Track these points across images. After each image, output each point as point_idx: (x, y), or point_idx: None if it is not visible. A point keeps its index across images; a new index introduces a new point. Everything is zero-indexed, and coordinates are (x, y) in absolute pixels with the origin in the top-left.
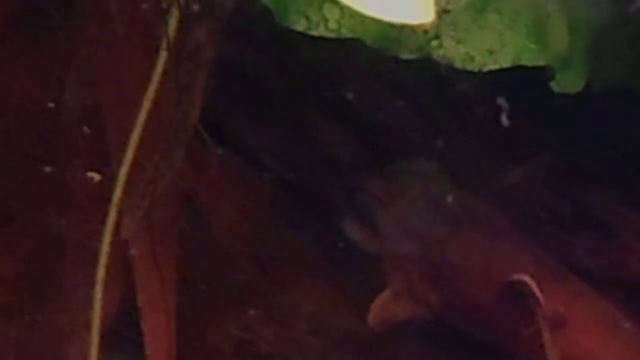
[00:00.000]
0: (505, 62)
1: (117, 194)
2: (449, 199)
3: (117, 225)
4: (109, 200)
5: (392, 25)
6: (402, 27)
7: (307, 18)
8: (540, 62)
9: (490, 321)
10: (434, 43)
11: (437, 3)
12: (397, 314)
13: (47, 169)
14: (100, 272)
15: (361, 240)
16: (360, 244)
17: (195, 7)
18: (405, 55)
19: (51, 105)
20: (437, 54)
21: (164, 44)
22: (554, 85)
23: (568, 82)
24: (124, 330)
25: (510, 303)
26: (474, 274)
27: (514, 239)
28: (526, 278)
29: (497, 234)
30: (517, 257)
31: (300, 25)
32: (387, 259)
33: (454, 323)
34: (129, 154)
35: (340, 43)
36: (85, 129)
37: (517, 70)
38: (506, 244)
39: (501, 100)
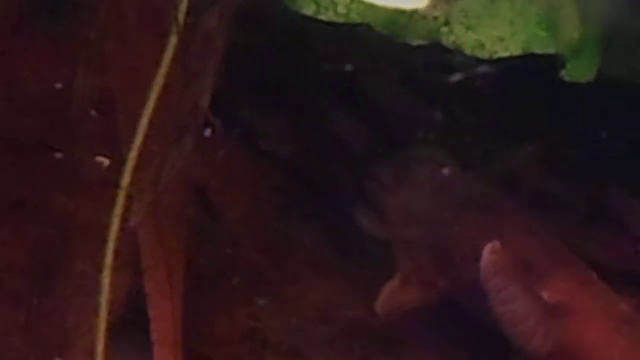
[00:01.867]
0: (515, 50)
1: (126, 180)
2: (456, 183)
3: (126, 211)
4: (117, 185)
5: (401, 11)
6: (412, 13)
7: (316, 2)
8: (551, 50)
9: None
10: (444, 29)
11: None
12: (406, 301)
13: (57, 154)
14: (109, 258)
15: (370, 227)
16: (369, 231)
17: None
18: (415, 42)
19: (61, 90)
20: (447, 41)
21: (173, 29)
22: (564, 74)
23: (579, 72)
24: (132, 316)
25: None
26: (479, 257)
27: (521, 224)
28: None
29: (505, 219)
30: (524, 241)
31: (309, 9)
32: (395, 245)
33: (462, 308)
34: (138, 140)
35: (351, 30)
36: (95, 114)
37: (528, 58)
38: (513, 228)
39: (511, 88)
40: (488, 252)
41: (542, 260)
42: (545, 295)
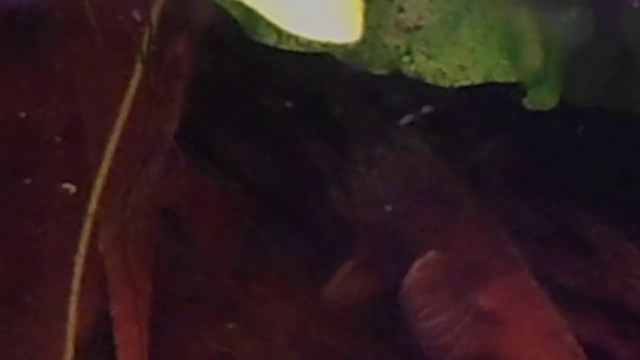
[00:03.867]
0: (476, 78)
1: (93, 206)
2: (422, 172)
3: (93, 237)
4: (85, 211)
5: (363, 41)
6: (373, 43)
7: (278, 32)
8: (512, 79)
9: None
10: (406, 59)
11: (409, 18)
12: (357, 287)
13: (24, 180)
14: (76, 284)
15: (338, 206)
16: (337, 210)
17: (172, 21)
18: (376, 71)
19: (27, 116)
20: (409, 70)
21: (138, 57)
22: (526, 102)
23: (540, 99)
24: (99, 342)
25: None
26: (431, 249)
27: (477, 222)
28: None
29: (461, 214)
30: (475, 242)
31: (270, 40)
32: (356, 228)
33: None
34: (105, 166)
35: (314, 57)
36: (62, 140)
37: (490, 87)
38: (468, 225)
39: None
40: (416, 269)
41: (486, 264)
42: (481, 299)
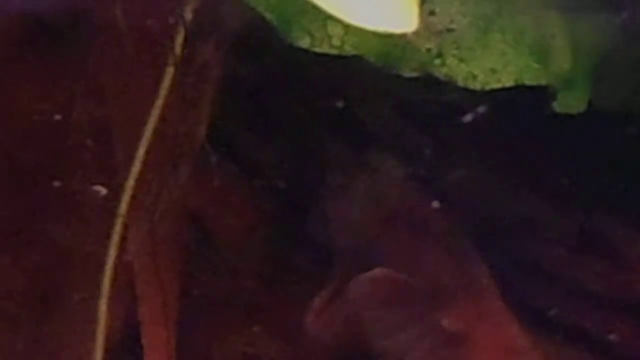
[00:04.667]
0: (507, 81)
1: (123, 208)
2: (392, 196)
3: (123, 239)
4: (115, 214)
5: (395, 44)
6: (405, 46)
7: (311, 35)
8: (542, 82)
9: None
10: (437, 61)
11: (440, 22)
12: (335, 316)
13: (54, 183)
14: (106, 286)
15: (316, 232)
16: (316, 236)
17: (203, 24)
18: (407, 73)
19: (59, 119)
20: (440, 72)
21: (170, 60)
22: (555, 106)
23: (570, 103)
24: (128, 344)
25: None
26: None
27: (444, 245)
28: None
29: (429, 237)
30: (441, 263)
31: (304, 42)
32: (334, 253)
33: None
34: (135, 168)
35: (345, 60)
36: (93, 143)
37: (519, 90)
38: (435, 248)
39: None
40: (362, 283)
41: (451, 286)
42: (444, 322)
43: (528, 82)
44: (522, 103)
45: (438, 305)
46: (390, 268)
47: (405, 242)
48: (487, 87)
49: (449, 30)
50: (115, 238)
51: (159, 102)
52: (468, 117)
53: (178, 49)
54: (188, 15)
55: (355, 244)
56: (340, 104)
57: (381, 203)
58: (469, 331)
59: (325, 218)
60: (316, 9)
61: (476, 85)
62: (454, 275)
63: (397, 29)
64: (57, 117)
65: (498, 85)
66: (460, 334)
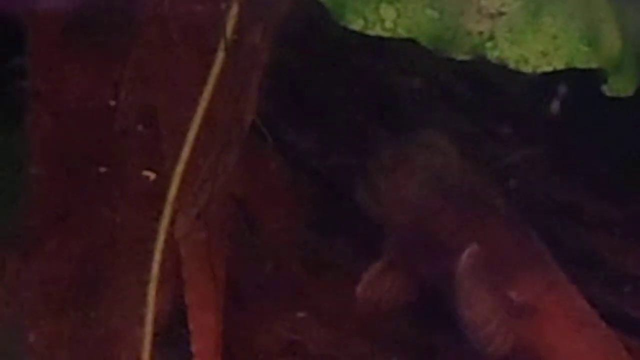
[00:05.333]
0: (558, 64)
1: (172, 193)
2: (450, 172)
3: (172, 224)
4: (163, 199)
5: (447, 27)
6: (457, 28)
7: (364, 18)
8: (593, 65)
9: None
10: (489, 44)
11: (492, 5)
12: (387, 286)
13: (103, 168)
14: (155, 271)
15: (367, 207)
16: (365, 212)
17: (254, 8)
18: (459, 57)
19: (107, 105)
20: (492, 56)
21: (221, 45)
22: (605, 89)
23: (620, 87)
24: (177, 328)
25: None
26: (460, 250)
27: (505, 222)
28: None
29: (490, 214)
30: (502, 239)
31: (357, 25)
32: (385, 227)
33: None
34: (185, 154)
35: (392, 48)
36: (141, 128)
37: (569, 73)
38: (497, 222)
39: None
40: (465, 256)
41: (516, 259)
42: (513, 294)
43: (579, 65)
44: (571, 86)
45: (507, 277)
46: (454, 242)
47: (467, 216)
48: (539, 70)
49: (501, 14)
50: (164, 223)
51: (209, 88)
52: (517, 101)
53: (229, 33)
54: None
55: (413, 218)
56: (388, 88)
57: (439, 179)
58: (539, 303)
59: (376, 193)
60: None
61: (528, 68)
62: (518, 249)
63: None
64: (107, 103)
65: (549, 68)
66: (530, 305)
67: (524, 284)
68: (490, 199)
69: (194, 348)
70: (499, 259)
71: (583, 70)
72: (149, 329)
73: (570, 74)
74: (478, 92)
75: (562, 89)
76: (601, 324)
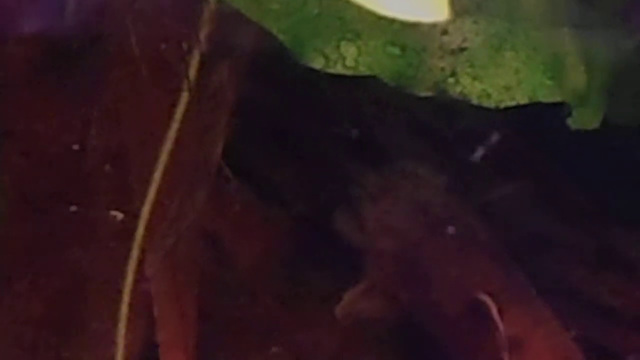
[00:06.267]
0: (521, 99)
1: (140, 233)
2: (436, 203)
3: (140, 264)
4: (132, 238)
5: (408, 63)
6: (419, 65)
7: (325, 56)
8: (557, 99)
9: (453, 332)
10: (451, 80)
11: (453, 41)
12: (365, 309)
13: (72, 208)
14: (124, 311)
15: (347, 232)
16: (345, 236)
17: (217, 48)
18: (421, 92)
19: (75, 145)
20: (454, 91)
21: (185, 85)
22: (570, 122)
23: (585, 119)
24: None
25: (474, 319)
26: (444, 280)
27: (490, 255)
28: (487, 300)
29: (475, 246)
30: (489, 273)
31: (317, 63)
32: (367, 253)
33: (420, 328)
34: (152, 193)
35: (360, 82)
36: (109, 169)
37: (534, 107)
38: (481, 257)
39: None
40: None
41: (502, 293)
42: (502, 325)
43: (542, 99)
44: (536, 120)
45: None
46: (437, 273)
47: (451, 247)
48: (502, 105)
49: (462, 49)
50: (133, 263)
51: (175, 127)
52: (483, 136)
53: (192, 73)
54: (202, 39)
55: (397, 246)
56: (354, 125)
57: (425, 208)
58: (526, 338)
59: (360, 220)
60: (329, 30)
61: (490, 103)
62: (503, 282)
63: (429, 19)
64: (73, 143)
65: (512, 103)
66: (519, 340)
67: (511, 319)
68: (474, 232)
69: None
70: (484, 291)
71: (553, 104)
72: None
73: (539, 107)
74: (452, 124)
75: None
76: None
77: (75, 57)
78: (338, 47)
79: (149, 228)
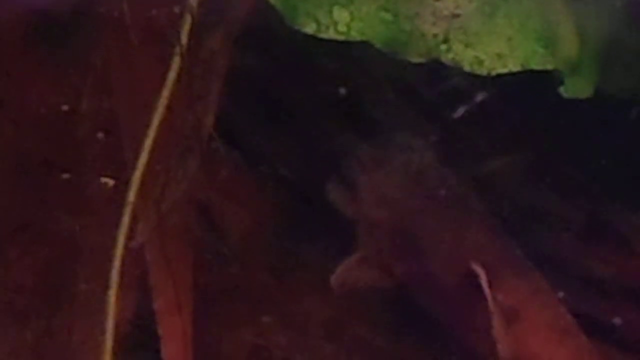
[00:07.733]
0: (514, 66)
1: (131, 199)
2: (431, 174)
3: (132, 231)
4: (123, 205)
5: (401, 29)
6: (411, 31)
7: (317, 21)
8: (549, 67)
9: (447, 302)
10: (443, 47)
11: (446, 7)
12: (360, 279)
13: (63, 175)
14: (114, 277)
15: (340, 204)
16: (339, 207)
17: (209, 14)
18: (414, 59)
19: (67, 112)
20: (446, 58)
21: (176, 51)
22: (563, 91)
23: (577, 88)
24: (138, 335)
25: (468, 289)
26: (439, 251)
27: (485, 226)
28: (478, 270)
29: (470, 217)
30: (484, 244)
31: (309, 28)
32: (361, 224)
33: (414, 299)
34: (143, 160)
35: (352, 48)
36: (100, 135)
37: (527, 75)
38: (476, 228)
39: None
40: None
41: (498, 263)
42: (499, 297)
43: (534, 67)
44: (528, 88)
45: (491, 281)
46: (431, 244)
47: (446, 218)
48: (494, 72)
49: (455, 16)
50: (124, 229)
51: (166, 93)
52: (474, 103)
53: (184, 39)
54: (194, 4)
55: (391, 217)
56: (347, 91)
57: (419, 179)
58: (523, 309)
59: (353, 191)
60: None
61: (482, 71)
62: (499, 253)
63: None
64: (65, 110)
65: (504, 70)
66: (515, 310)
67: (507, 289)
68: (470, 203)
69: (164, 354)
70: (480, 262)
71: (545, 72)
72: (109, 335)
73: (534, 77)
74: (446, 96)
75: (529, 92)
76: (581, 334)
77: (66, 25)
78: (330, 12)
79: (140, 195)
